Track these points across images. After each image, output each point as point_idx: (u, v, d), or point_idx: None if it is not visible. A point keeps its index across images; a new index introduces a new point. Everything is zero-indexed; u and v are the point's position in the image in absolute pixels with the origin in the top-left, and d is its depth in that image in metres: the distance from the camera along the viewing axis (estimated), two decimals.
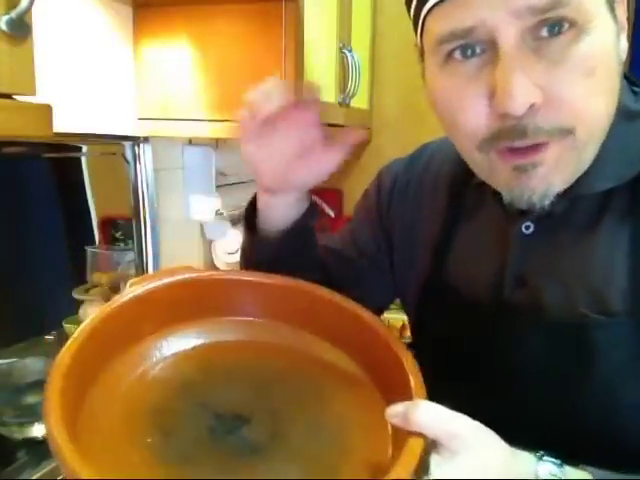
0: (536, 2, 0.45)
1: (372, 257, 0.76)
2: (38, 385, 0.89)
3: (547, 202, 0.51)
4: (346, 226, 0.82)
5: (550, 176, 0.50)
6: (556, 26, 0.46)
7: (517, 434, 0.50)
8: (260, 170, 0.65)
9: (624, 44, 0.52)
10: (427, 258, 0.69)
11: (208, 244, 1.48)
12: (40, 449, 0.85)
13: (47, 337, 1.00)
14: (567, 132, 0.48)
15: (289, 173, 0.64)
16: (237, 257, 1.56)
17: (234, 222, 1.45)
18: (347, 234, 0.80)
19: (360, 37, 1.49)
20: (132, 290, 0.55)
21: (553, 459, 0.48)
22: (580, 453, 0.54)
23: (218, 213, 1.35)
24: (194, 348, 0.58)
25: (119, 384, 0.51)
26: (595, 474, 0.49)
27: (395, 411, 0.46)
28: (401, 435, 0.45)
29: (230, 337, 0.60)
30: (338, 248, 0.79)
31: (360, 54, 1.43)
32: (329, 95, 1.27)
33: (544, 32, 0.46)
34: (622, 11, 0.51)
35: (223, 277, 0.64)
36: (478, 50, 0.48)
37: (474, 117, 0.50)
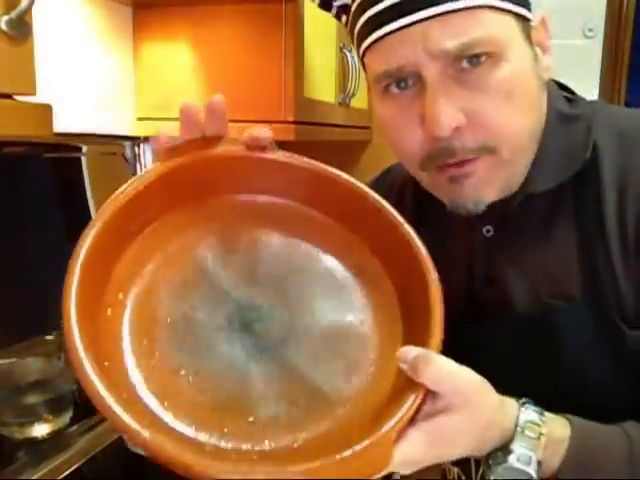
0: (449, 47, 0.51)
1: None
2: (38, 385, 0.89)
3: (481, 208, 0.58)
4: None
5: (481, 186, 0.57)
6: (474, 58, 0.52)
7: None
8: None
9: (547, 63, 0.58)
10: None
11: None
12: (40, 449, 0.85)
13: (47, 337, 1.00)
14: (492, 150, 0.55)
15: None
16: None
17: None
18: None
19: None
20: (146, 173, 0.52)
21: (534, 406, 0.51)
22: None
23: None
24: (212, 230, 0.55)
25: (137, 272, 0.50)
26: (573, 420, 0.52)
27: (406, 356, 0.46)
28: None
29: (255, 221, 0.56)
30: None
31: None
32: (329, 95, 1.27)
33: (464, 63, 0.52)
34: (542, 34, 0.58)
35: (257, 156, 0.55)
36: (410, 82, 0.55)
37: (411, 142, 0.56)
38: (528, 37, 0.55)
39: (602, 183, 0.58)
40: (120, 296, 0.48)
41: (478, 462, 0.57)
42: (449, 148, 0.54)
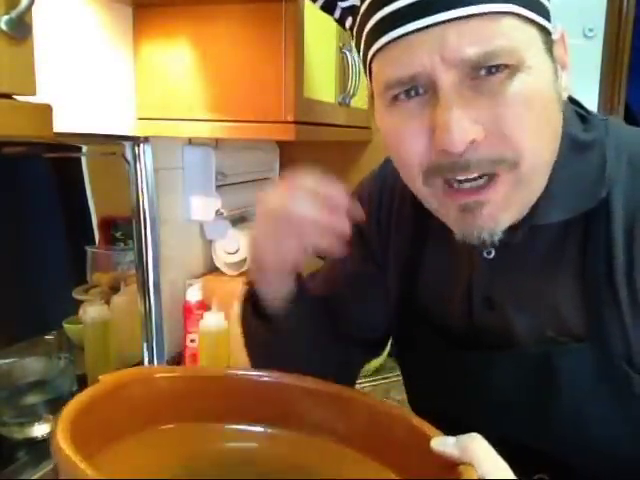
0: (470, 55, 0.47)
1: (368, 275, 0.74)
2: (38, 385, 0.90)
3: (497, 237, 0.53)
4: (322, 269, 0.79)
5: (497, 213, 0.52)
6: (492, 68, 0.48)
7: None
8: (266, 260, 0.60)
9: (565, 81, 0.54)
10: (396, 278, 0.70)
11: (208, 244, 1.48)
12: (40, 449, 0.85)
13: (47, 337, 1.00)
14: (512, 165, 0.50)
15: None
16: (237, 257, 1.56)
17: (234, 222, 1.45)
18: (334, 268, 0.76)
19: None
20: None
21: None
22: (554, 469, 0.57)
23: (218, 213, 1.35)
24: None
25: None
26: None
27: (446, 441, 0.43)
28: None
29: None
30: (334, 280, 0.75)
31: None
32: (329, 95, 1.27)
33: (482, 72, 0.48)
34: (562, 51, 0.53)
35: (279, 381, 0.54)
36: (420, 91, 0.50)
37: (416, 151, 0.51)
38: (550, 50, 0.51)
39: (612, 221, 0.55)
40: None
41: None
42: (462, 162, 0.49)
